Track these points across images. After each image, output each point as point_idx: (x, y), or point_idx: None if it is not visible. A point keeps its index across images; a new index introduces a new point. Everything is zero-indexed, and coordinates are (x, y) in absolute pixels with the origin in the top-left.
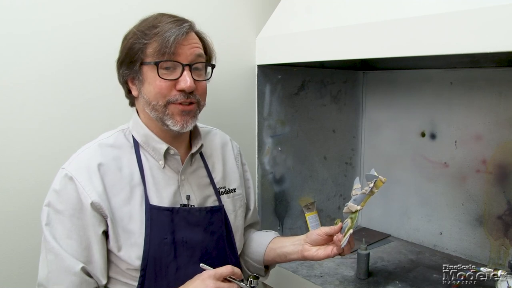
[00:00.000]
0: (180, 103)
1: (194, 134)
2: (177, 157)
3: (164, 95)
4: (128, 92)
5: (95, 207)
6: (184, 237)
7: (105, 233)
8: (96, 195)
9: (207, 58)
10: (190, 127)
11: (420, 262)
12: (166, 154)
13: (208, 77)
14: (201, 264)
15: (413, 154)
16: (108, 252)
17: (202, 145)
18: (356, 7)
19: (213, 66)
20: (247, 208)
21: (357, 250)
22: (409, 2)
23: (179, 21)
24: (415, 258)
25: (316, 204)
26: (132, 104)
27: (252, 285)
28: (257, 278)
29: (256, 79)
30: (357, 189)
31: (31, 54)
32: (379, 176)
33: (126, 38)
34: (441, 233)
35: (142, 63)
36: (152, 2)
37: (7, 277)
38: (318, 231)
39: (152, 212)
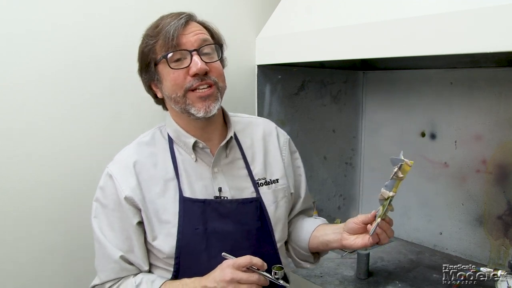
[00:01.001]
0: (197, 89)
1: (228, 125)
2: (206, 150)
3: (180, 84)
4: (155, 97)
5: (129, 201)
6: (215, 228)
7: (141, 224)
8: (129, 190)
9: (215, 42)
10: (214, 110)
11: (420, 262)
12: (196, 147)
13: (219, 58)
14: (223, 253)
15: (413, 154)
16: (146, 241)
17: (231, 138)
18: (356, 7)
19: (220, 46)
20: (298, 196)
21: (356, 250)
22: (409, 2)
23: (177, 14)
24: (415, 258)
25: (316, 204)
26: (165, 108)
27: (276, 276)
28: (281, 268)
29: (256, 79)
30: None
31: (31, 54)
32: (405, 160)
33: (139, 47)
34: (441, 233)
35: (155, 64)
36: (152, 2)
37: (6, 277)
38: (355, 219)
39: (185, 204)
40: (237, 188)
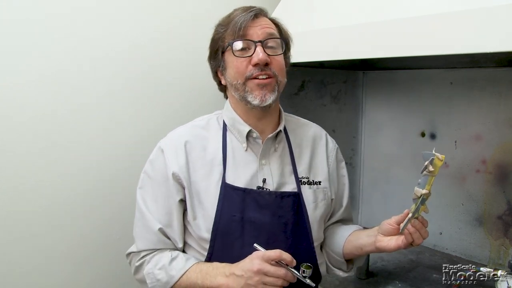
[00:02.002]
0: (256, 77)
1: (281, 121)
2: (259, 141)
3: (242, 72)
4: (219, 84)
5: (175, 177)
6: (252, 218)
7: (183, 202)
8: (177, 167)
9: (281, 37)
10: (269, 100)
11: (420, 262)
12: (249, 137)
13: (283, 51)
14: (254, 244)
15: (413, 154)
16: (185, 220)
17: (280, 131)
18: (356, 7)
19: (286, 42)
20: (339, 205)
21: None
22: (409, 2)
23: (249, 8)
24: (415, 258)
25: None
26: (226, 97)
27: (304, 275)
28: (310, 267)
29: None
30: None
31: (31, 54)
32: (436, 154)
33: (212, 35)
34: (441, 233)
35: (222, 51)
36: (152, 2)
37: (4, 278)
38: (389, 220)
39: (226, 190)
40: (281, 182)
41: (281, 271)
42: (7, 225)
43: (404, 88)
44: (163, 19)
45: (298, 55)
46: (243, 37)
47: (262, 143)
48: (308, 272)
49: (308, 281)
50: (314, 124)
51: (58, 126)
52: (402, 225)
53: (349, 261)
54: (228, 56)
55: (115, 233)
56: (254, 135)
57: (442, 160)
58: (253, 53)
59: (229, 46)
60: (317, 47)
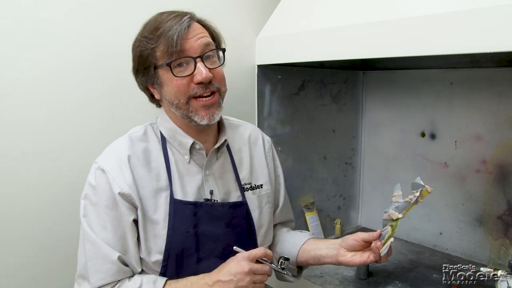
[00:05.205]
0: (200, 96)
1: (221, 128)
2: (202, 152)
3: (184, 92)
4: (151, 97)
5: (125, 197)
6: (206, 231)
7: (135, 223)
8: (126, 186)
9: (216, 44)
10: (217, 118)
11: (420, 262)
12: (192, 148)
13: (222, 63)
14: (234, 247)
15: (413, 154)
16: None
17: (225, 140)
18: (356, 7)
19: (223, 50)
20: (276, 205)
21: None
22: (409, 2)
23: (178, 16)
24: (415, 258)
25: (316, 204)
26: (159, 106)
27: (282, 266)
28: (287, 259)
29: (256, 79)
30: (398, 196)
31: (31, 54)
32: (426, 186)
33: (134, 47)
34: (441, 233)
35: (155, 67)
36: (151, 2)
37: (4, 278)
38: (355, 236)
39: (176, 206)
40: (226, 192)
41: (266, 267)
42: (7, 225)
43: (404, 88)
44: None
45: (298, 55)
46: (180, 53)
47: (207, 155)
48: (286, 263)
49: (286, 272)
50: (248, 123)
51: (58, 126)
52: (383, 249)
53: (300, 266)
54: (164, 74)
55: None
56: (198, 146)
57: (430, 192)
58: (194, 70)
59: (166, 65)
60: (317, 47)
